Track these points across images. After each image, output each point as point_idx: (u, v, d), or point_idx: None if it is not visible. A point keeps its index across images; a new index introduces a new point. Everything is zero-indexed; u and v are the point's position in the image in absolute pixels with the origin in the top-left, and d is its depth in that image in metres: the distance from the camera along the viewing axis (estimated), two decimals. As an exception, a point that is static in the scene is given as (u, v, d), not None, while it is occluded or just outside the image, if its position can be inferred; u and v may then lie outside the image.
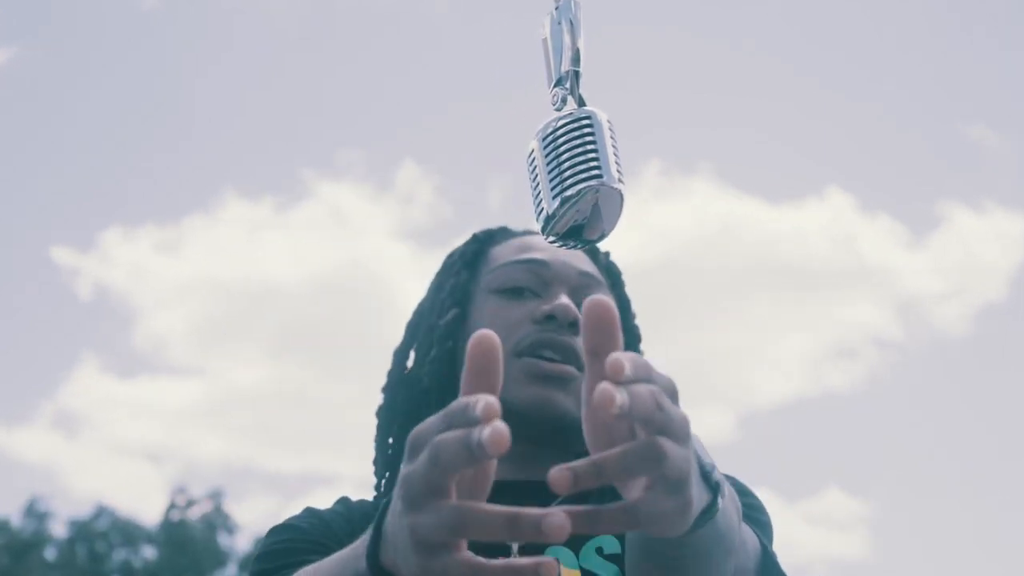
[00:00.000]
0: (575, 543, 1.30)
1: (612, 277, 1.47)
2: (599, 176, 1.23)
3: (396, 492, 0.84)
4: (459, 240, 1.52)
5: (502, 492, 1.32)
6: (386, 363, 1.52)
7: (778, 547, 1.37)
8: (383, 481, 1.46)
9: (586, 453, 0.89)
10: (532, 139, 1.26)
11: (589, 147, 1.22)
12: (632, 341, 1.48)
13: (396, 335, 1.54)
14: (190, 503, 30.47)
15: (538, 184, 1.28)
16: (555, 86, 1.24)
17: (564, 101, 1.24)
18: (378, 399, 1.50)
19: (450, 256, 1.48)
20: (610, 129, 1.23)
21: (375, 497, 1.45)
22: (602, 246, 1.44)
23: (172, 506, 30.27)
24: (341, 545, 1.07)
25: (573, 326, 1.32)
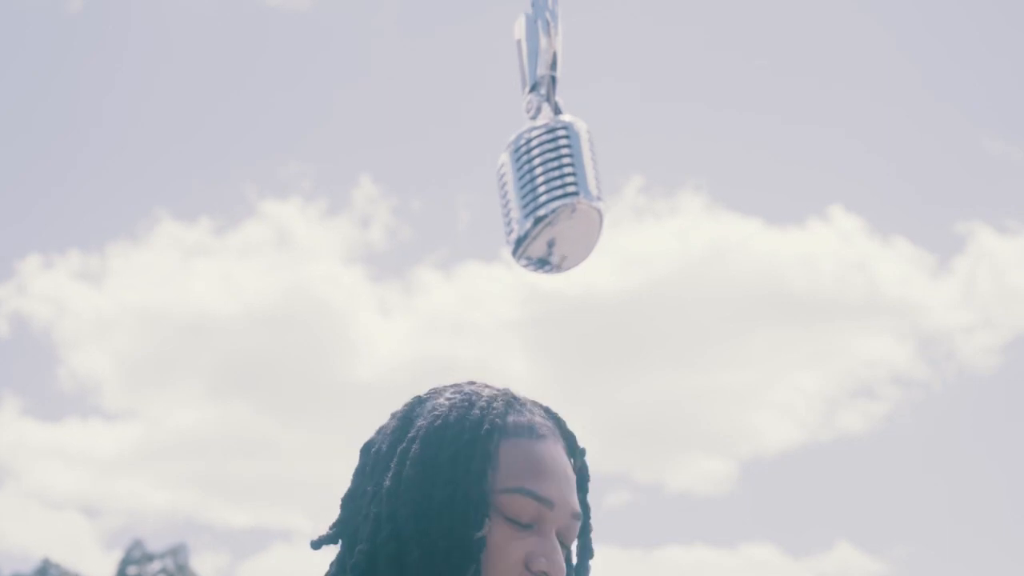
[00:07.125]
0: None
1: (581, 484, 1.49)
2: (575, 193, 1.18)
3: None
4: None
5: None
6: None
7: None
8: None
9: None
10: (503, 152, 1.19)
11: (565, 161, 1.17)
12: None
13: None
14: (148, 558, 30.17)
15: (508, 202, 1.22)
16: (529, 92, 1.18)
17: (539, 109, 1.18)
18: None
19: (459, 425, 1.43)
20: (590, 141, 1.17)
21: None
22: (580, 437, 1.41)
23: (127, 561, 29.95)
24: None
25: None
